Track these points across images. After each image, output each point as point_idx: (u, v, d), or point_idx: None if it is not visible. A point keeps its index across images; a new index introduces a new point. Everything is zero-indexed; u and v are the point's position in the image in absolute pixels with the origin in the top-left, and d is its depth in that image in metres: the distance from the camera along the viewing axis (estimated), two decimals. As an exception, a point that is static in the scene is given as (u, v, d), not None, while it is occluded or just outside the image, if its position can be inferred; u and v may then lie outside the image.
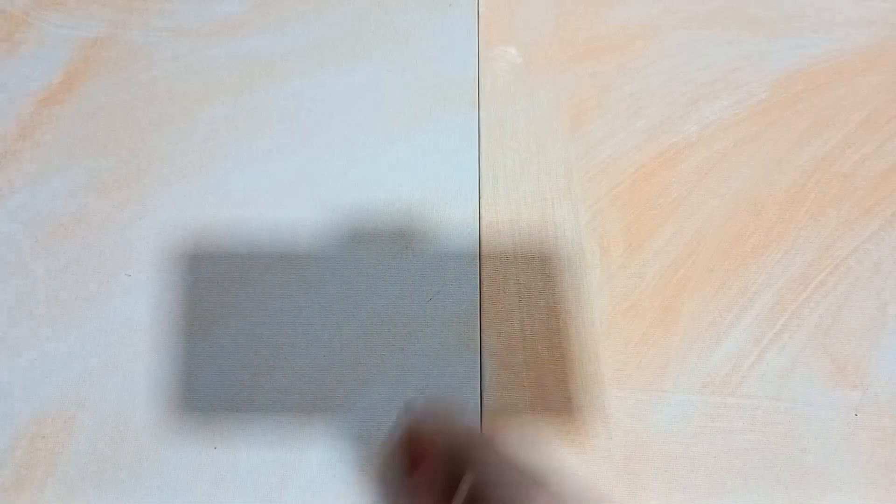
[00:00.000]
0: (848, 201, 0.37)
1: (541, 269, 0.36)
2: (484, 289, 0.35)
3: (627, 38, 0.40)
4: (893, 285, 0.36)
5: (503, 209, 0.37)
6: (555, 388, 0.34)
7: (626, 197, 0.37)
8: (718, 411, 0.34)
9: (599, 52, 0.40)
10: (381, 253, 0.36)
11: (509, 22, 0.40)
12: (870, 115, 0.39)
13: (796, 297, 0.36)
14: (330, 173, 0.37)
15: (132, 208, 0.37)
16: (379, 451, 0.32)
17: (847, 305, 0.36)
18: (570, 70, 0.39)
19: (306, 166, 0.37)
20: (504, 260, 0.36)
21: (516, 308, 0.35)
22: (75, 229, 0.36)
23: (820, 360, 0.35)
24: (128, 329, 0.35)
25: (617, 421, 0.33)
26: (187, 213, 0.36)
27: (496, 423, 0.33)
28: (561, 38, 0.40)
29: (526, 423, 0.33)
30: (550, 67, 0.39)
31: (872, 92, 0.39)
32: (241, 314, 0.35)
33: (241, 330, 0.35)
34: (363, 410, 0.34)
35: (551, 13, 0.40)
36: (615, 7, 0.41)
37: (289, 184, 0.37)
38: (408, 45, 0.40)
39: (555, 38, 0.40)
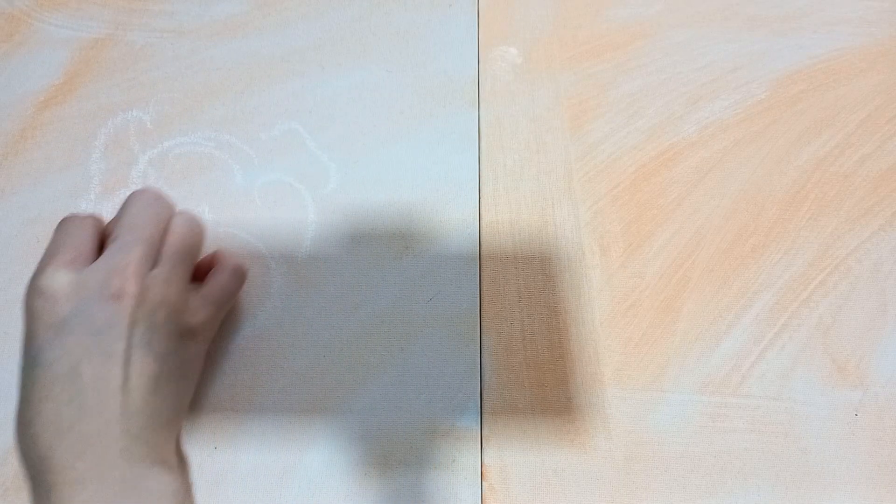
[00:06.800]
0: (848, 201, 0.37)
1: (541, 269, 0.36)
2: (484, 289, 0.35)
3: (627, 37, 0.40)
4: (893, 285, 0.36)
5: (503, 209, 0.37)
6: (555, 388, 0.34)
7: (626, 197, 0.37)
8: (718, 411, 0.34)
9: (599, 52, 0.40)
10: (381, 253, 0.36)
11: (509, 22, 0.40)
12: (870, 115, 0.39)
13: (796, 297, 0.36)
14: (330, 173, 0.37)
15: (132, 208, 0.37)
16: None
17: (847, 305, 0.36)
18: (569, 69, 0.39)
19: (306, 166, 0.37)
20: (504, 260, 0.36)
21: (516, 308, 0.35)
22: (76, 229, 0.36)
23: (820, 360, 0.35)
24: (128, 329, 0.35)
25: (617, 421, 0.33)
26: (187, 213, 0.36)
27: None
28: (561, 37, 0.40)
29: (526, 423, 0.33)
30: (550, 67, 0.39)
31: (872, 92, 0.39)
32: (241, 314, 0.35)
33: (242, 330, 0.35)
34: (363, 410, 0.34)
35: (551, 13, 0.40)
36: (615, 6, 0.41)
37: (289, 184, 0.37)
38: (408, 45, 0.40)
39: (554, 38, 0.40)
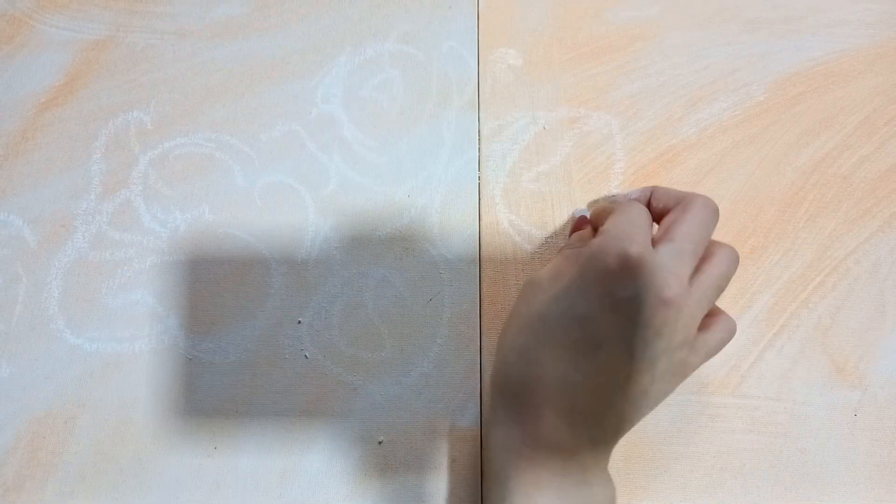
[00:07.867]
0: (846, 202, 0.37)
1: (540, 270, 0.36)
2: (484, 289, 0.36)
3: (627, 39, 0.40)
4: (892, 286, 0.36)
5: (503, 210, 0.37)
6: (554, 389, 0.34)
7: (625, 198, 0.37)
8: (718, 411, 0.34)
9: (598, 54, 0.40)
10: (381, 254, 0.36)
11: (509, 23, 0.40)
12: (868, 117, 0.39)
13: (795, 297, 0.36)
14: (330, 174, 0.37)
15: (133, 209, 0.37)
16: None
17: (846, 306, 0.36)
18: (569, 71, 0.39)
19: (306, 167, 0.37)
20: (504, 260, 0.36)
21: (516, 308, 0.35)
22: (77, 230, 0.36)
23: (819, 360, 0.35)
24: (129, 330, 0.35)
25: (617, 421, 0.33)
26: (188, 213, 0.37)
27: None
28: (560, 39, 0.40)
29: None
30: (550, 69, 0.39)
31: (871, 94, 0.39)
32: (241, 314, 0.35)
33: (241, 330, 0.35)
34: (363, 411, 0.34)
35: (551, 14, 0.41)
36: (614, 8, 0.41)
37: (289, 185, 0.37)
38: (408, 46, 0.40)
39: (554, 40, 0.40)
